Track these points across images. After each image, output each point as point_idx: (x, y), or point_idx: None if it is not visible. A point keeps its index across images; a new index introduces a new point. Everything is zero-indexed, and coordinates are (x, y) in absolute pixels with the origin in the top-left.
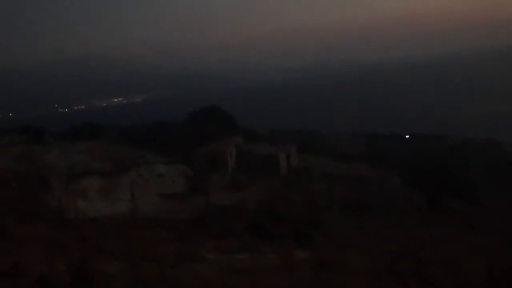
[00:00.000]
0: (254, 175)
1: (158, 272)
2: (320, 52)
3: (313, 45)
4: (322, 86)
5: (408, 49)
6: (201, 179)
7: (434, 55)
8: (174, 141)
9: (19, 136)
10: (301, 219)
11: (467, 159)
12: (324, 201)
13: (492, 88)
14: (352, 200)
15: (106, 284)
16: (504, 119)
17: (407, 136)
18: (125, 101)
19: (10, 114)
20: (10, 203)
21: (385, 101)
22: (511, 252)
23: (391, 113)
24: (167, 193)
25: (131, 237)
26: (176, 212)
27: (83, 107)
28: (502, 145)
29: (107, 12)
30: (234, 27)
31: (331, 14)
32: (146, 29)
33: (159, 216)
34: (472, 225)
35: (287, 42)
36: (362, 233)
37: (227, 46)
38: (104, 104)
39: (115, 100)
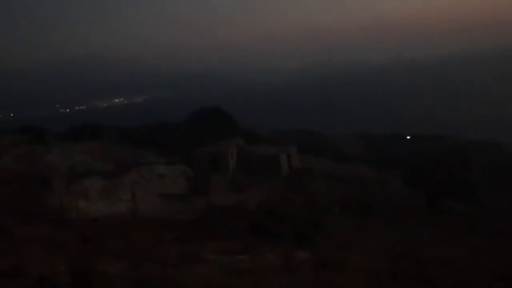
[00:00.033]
0: (255, 176)
1: (159, 272)
2: (320, 53)
3: (313, 45)
4: (322, 87)
5: (409, 50)
6: (202, 180)
7: (434, 56)
8: (175, 141)
9: (20, 136)
10: (302, 219)
11: (468, 160)
12: (324, 201)
13: (492, 89)
14: (353, 200)
15: (107, 285)
16: (504, 120)
17: (408, 137)
18: (126, 102)
19: (11, 114)
20: (11, 203)
21: (385, 102)
22: (511, 253)
23: (391, 114)
24: (168, 193)
25: (132, 238)
26: (177, 213)
27: (84, 107)
28: (502, 146)
29: (107, 12)
30: (234, 27)
31: (331, 15)
32: (146, 29)
33: (160, 217)
34: (472, 225)
35: (287, 43)
36: (362, 234)
37: (227, 46)
38: (105, 105)
39: (116, 100)
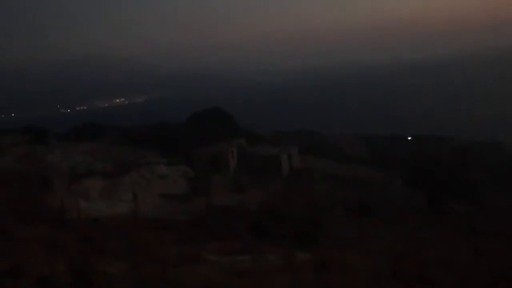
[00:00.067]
0: (255, 176)
1: (160, 273)
2: (320, 53)
3: (313, 46)
4: (322, 87)
5: (409, 51)
6: (203, 180)
7: (434, 56)
8: (175, 141)
9: (21, 136)
10: (303, 220)
11: (469, 161)
12: (325, 202)
13: (492, 89)
14: (354, 201)
15: (107, 285)
16: (504, 120)
17: (409, 138)
18: (127, 102)
19: (12, 114)
20: (12, 203)
21: (385, 103)
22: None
23: (391, 115)
24: (169, 193)
25: (132, 238)
26: (177, 213)
27: (85, 107)
28: (502, 146)
29: (107, 12)
30: (235, 27)
31: (331, 15)
32: (146, 29)
33: (160, 217)
34: (473, 226)
35: (287, 43)
36: (363, 234)
37: (227, 46)
38: (106, 105)
39: (117, 100)
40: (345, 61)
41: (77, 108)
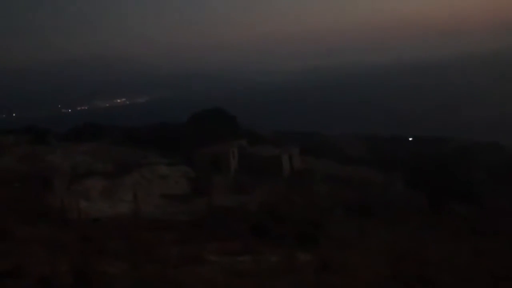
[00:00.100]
0: (256, 176)
1: (160, 273)
2: (320, 54)
3: (313, 46)
4: (322, 87)
5: (409, 51)
6: (203, 181)
7: (434, 57)
8: (176, 142)
9: (22, 137)
10: (304, 221)
11: (470, 162)
12: (326, 203)
13: (493, 90)
14: (354, 202)
15: (108, 285)
16: (505, 121)
17: (410, 139)
18: (128, 102)
19: (14, 114)
20: (12, 203)
21: (385, 103)
22: None
23: (391, 115)
24: (170, 194)
25: (133, 238)
26: (178, 213)
27: (86, 107)
28: (504, 147)
29: (107, 12)
30: (235, 27)
31: (331, 16)
32: (146, 30)
33: (161, 217)
34: (474, 227)
35: (287, 43)
36: (364, 235)
37: (227, 46)
38: (107, 105)
39: (118, 100)
40: (345, 61)
41: (78, 108)
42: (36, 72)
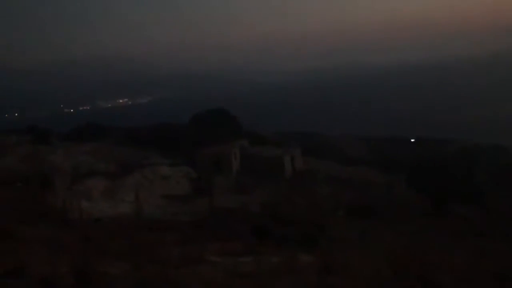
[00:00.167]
0: (258, 177)
1: (162, 274)
2: (320, 54)
3: (313, 47)
4: (322, 88)
5: (410, 52)
6: (205, 181)
7: (435, 58)
8: (178, 142)
9: (25, 137)
10: (306, 222)
11: (472, 163)
12: (328, 204)
13: (493, 92)
14: (357, 203)
15: (109, 286)
16: (506, 123)
17: (412, 140)
18: (130, 102)
19: (16, 114)
20: (14, 203)
21: (385, 104)
22: None
23: (392, 116)
24: (171, 194)
25: (134, 239)
26: (180, 214)
27: (88, 107)
28: (507, 149)
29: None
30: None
31: (332, 16)
32: (146, 30)
33: (163, 218)
34: (478, 229)
35: (287, 44)
36: (367, 237)
37: (228, 47)
38: (109, 105)
39: (120, 101)
40: (345, 62)
41: (80, 108)
42: (37, 72)
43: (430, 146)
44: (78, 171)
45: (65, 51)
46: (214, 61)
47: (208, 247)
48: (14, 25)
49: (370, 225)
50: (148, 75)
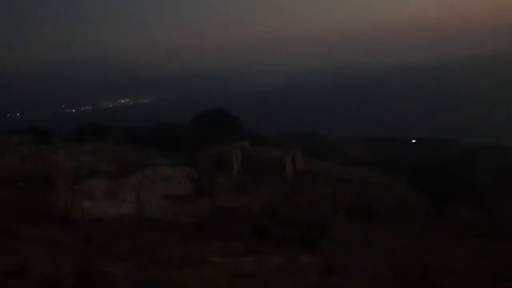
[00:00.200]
0: (259, 178)
1: (163, 274)
2: (321, 55)
3: (313, 47)
4: (322, 89)
5: (409, 53)
6: (206, 182)
7: (435, 58)
8: (180, 143)
9: (26, 136)
10: (307, 222)
11: (474, 164)
12: (329, 205)
13: (494, 92)
14: (358, 204)
15: (111, 286)
16: (507, 124)
17: (413, 141)
18: (131, 102)
19: (18, 114)
20: (16, 203)
21: (385, 105)
22: None
23: (392, 117)
24: (173, 195)
25: (136, 239)
26: (181, 214)
27: (89, 107)
28: (507, 150)
29: (107, 13)
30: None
31: (332, 17)
32: (147, 30)
33: (164, 218)
34: (479, 231)
35: (288, 44)
36: (368, 238)
37: (227, 47)
38: (111, 105)
39: (122, 101)
40: (345, 62)
41: (82, 108)
42: (37, 72)
43: (430, 147)
44: (80, 171)
45: (65, 51)
46: (214, 61)
47: (209, 247)
48: (14, 25)
49: (371, 225)
50: (149, 75)
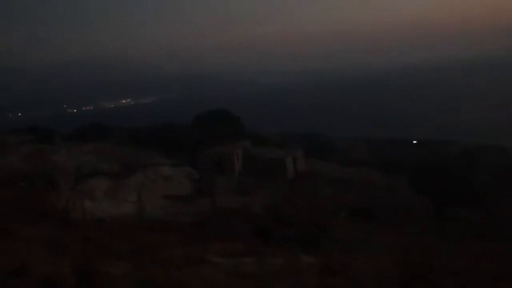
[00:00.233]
0: (260, 178)
1: (164, 274)
2: (321, 55)
3: (314, 47)
4: (323, 89)
5: (410, 53)
6: (207, 182)
7: (435, 59)
8: (181, 143)
9: (28, 136)
10: (308, 223)
11: (474, 165)
12: (330, 205)
13: (494, 93)
14: (359, 205)
15: (111, 286)
16: (507, 124)
17: (414, 142)
18: (133, 102)
19: (19, 114)
20: (17, 203)
21: (386, 105)
22: None
23: (392, 117)
24: (174, 195)
25: (137, 239)
26: (182, 214)
27: (91, 107)
28: (507, 150)
29: (107, 13)
30: (236, 28)
31: (332, 17)
32: (147, 30)
33: (165, 218)
34: (480, 232)
35: (288, 44)
36: (368, 239)
37: (228, 47)
38: (112, 105)
39: (123, 101)
40: (346, 62)
41: (83, 108)
42: (39, 72)
43: (431, 148)
44: (81, 171)
45: (65, 51)
46: (214, 61)
47: (210, 248)
48: (14, 25)
49: (372, 226)
50: (150, 76)
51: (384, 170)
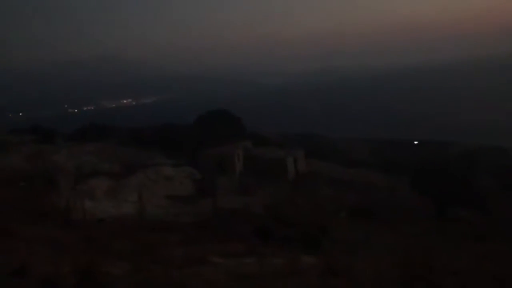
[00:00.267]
0: (261, 179)
1: (164, 274)
2: (321, 56)
3: (314, 49)
4: (323, 90)
5: (410, 54)
6: (208, 182)
7: (435, 60)
8: (182, 143)
9: (29, 136)
10: (308, 224)
11: (475, 166)
12: (331, 206)
13: (493, 93)
14: (359, 205)
15: (112, 286)
16: (506, 125)
17: (415, 142)
18: (134, 103)
19: (20, 114)
20: (18, 203)
21: (386, 106)
22: None
23: (392, 118)
24: (175, 195)
25: (137, 239)
26: (183, 215)
27: (92, 107)
28: (507, 151)
29: (108, 13)
30: (237, 29)
31: (333, 18)
32: (147, 31)
33: (166, 218)
34: (480, 233)
35: (289, 45)
36: (369, 240)
37: (229, 48)
38: (113, 105)
39: (124, 101)
40: (346, 64)
41: (84, 108)
42: (40, 72)
43: (431, 148)
44: (82, 171)
45: (65, 51)
46: (214, 61)
47: (210, 248)
48: (14, 25)
49: (373, 227)
50: (150, 76)
51: (385, 170)
